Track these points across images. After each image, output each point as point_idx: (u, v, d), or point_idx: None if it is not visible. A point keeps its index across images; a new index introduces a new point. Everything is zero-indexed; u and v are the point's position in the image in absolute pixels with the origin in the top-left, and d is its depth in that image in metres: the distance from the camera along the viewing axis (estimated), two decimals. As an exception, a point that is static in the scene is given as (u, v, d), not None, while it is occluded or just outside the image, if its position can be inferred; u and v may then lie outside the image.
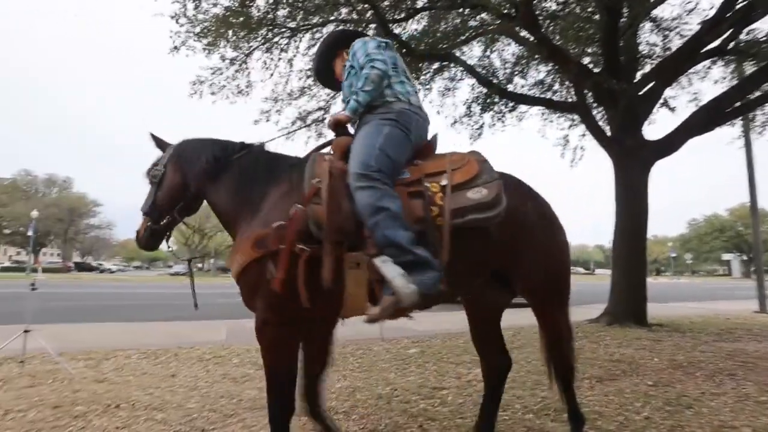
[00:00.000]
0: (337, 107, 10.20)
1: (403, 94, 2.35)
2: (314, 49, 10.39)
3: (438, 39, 9.60)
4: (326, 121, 2.84)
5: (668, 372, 4.72)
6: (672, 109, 10.43)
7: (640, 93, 8.80)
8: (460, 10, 9.60)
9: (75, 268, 53.91)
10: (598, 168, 15.29)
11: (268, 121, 10.86)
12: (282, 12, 9.56)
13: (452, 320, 9.65)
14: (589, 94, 9.59)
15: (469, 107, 11.30)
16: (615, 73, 8.20)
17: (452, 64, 10.65)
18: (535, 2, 8.48)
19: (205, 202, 2.56)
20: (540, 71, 11.26)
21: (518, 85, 11.40)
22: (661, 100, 9.78)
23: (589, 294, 19.42)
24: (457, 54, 10.35)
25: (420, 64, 10.13)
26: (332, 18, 9.84)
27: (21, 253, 59.71)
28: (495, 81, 10.68)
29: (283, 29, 9.91)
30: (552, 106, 10.97)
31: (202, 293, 18.71)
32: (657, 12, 9.79)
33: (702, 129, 8.37)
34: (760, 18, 7.81)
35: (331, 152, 2.28)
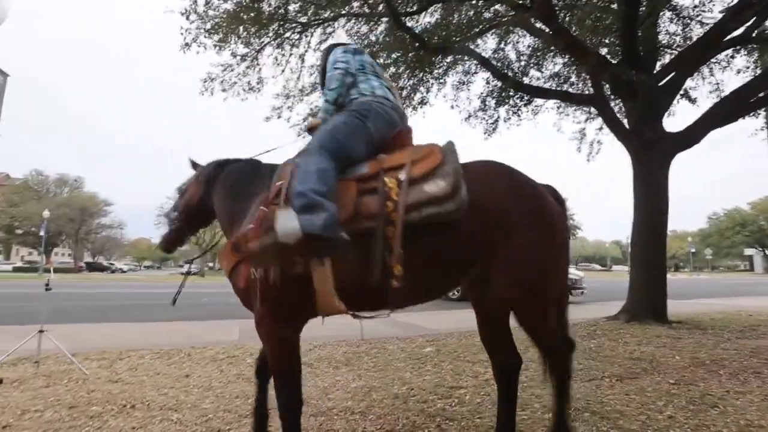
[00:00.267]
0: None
1: (368, 89, 2.50)
2: (326, 45, 10.45)
3: (451, 32, 9.56)
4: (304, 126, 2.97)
5: (690, 370, 4.67)
6: (693, 101, 10.28)
7: (660, 84, 8.68)
8: (474, 1, 9.56)
9: (86, 268, 54.66)
10: (615, 162, 15.17)
11: (279, 117, 10.91)
12: (293, 7, 9.60)
13: (467, 318, 9.65)
14: (607, 86, 9.50)
15: (483, 101, 11.26)
16: (634, 64, 8.09)
17: (466, 57, 10.61)
18: (550, -8, 8.41)
19: None
20: (556, 63, 11.18)
21: (533, 77, 11.36)
22: (682, 91, 9.65)
23: (606, 291, 19.34)
24: (471, 47, 10.32)
25: (433, 58, 10.11)
26: (344, 12, 9.87)
27: (33, 254, 60.60)
28: (510, 74, 10.62)
29: (294, 24, 9.96)
30: (568, 98, 10.88)
31: (214, 293, 18.98)
32: (677, 0, 9.67)
33: (724, 120, 8.24)
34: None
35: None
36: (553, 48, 9.92)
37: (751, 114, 9.14)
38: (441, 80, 11.15)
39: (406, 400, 3.64)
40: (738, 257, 75.29)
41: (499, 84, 10.63)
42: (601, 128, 11.81)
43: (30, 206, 51.20)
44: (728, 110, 8.22)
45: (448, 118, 13.87)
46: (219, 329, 7.78)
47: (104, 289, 21.74)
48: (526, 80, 10.98)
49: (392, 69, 10.40)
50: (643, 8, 8.27)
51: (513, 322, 2.47)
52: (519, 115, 11.31)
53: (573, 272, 15.59)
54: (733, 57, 9.94)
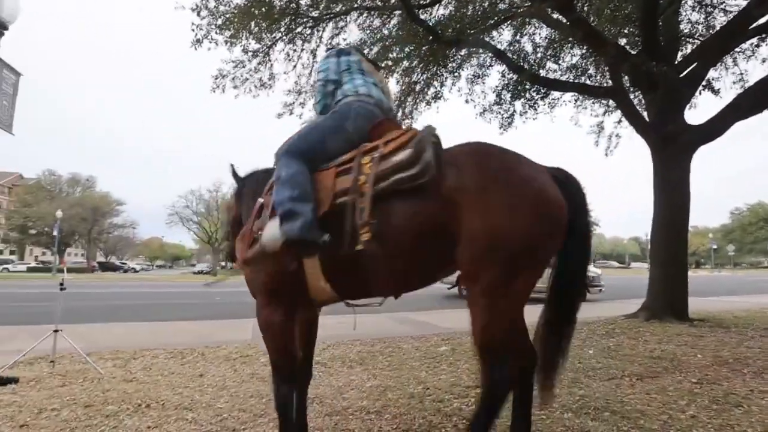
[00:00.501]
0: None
1: (351, 89, 2.61)
2: (337, 39, 10.46)
3: (466, 24, 9.52)
4: None
5: (713, 369, 4.63)
6: (716, 92, 10.12)
7: (681, 75, 8.55)
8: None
9: (99, 268, 55.40)
10: (634, 156, 15.01)
11: (291, 114, 10.96)
12: (304, 1, 9.65)
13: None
14: (626, 77, 9.39)
15: (499, 95, 11.20)
16: (654, 55, 7.98)
17: (481, 50, 10.55)
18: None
19: None
20: (573, 55, 11.04)
21: (550, 70, 11.25)
22: (704, 83, 9.50)
23: (625, 288, 19.17)
24: (486, 39, 10.25)
25: (447, 51, 10.07)
26: (356, 5, 9.88)
27: (46, 254, 61.53)
28: (526, 66, 10.54)
29: (306, 19, 9.98)
30: (586, 91, 10.77)
31: (226, 291, 19.13)
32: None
33: (749, 112, 8.09)
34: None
35: None
36: (570, 39, 9.81)
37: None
38: (455, 74, 11.10)
39: (422, 400, 3.65)
40: (762, 253, 74.11)
41: (515, 77, 10.56)
42: (619, 121, 11.67)
43: (43, 206, 52.02)
44: (753, 101, 8.06)
45: (463, 113, 13.82)
46: (232, 328, 7.87)
47: (117, 288, 22.08)
48: (542, 73, 10.89)
49: (405, 63, 10.39)
50: (664, -4, 8.16)
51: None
52: (535, 109, 11.23)
53: (590, 269, 15.42)
54: (758, 46, 9.72)
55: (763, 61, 9.99)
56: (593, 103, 11.87)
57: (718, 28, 9.08)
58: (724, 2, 9.54)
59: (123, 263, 67.25)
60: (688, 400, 3.57)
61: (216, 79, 10.37)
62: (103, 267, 57.60)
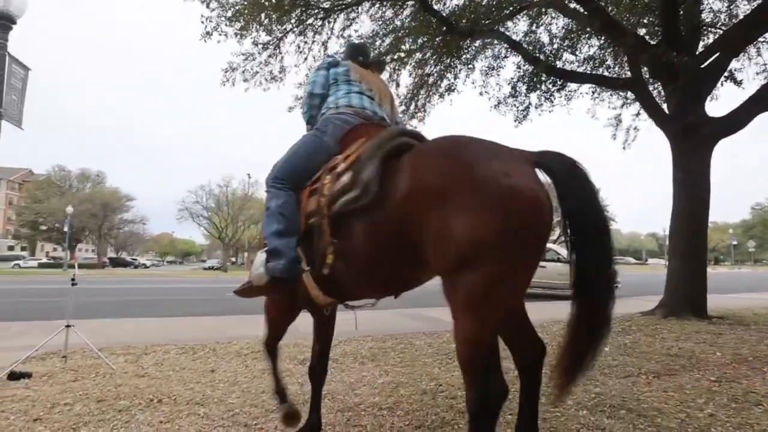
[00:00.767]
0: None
1: (332, 102, 2.71)
2: (349, 31, 10.46)
3: (480, 14, 9.44)
4: None
5: (732, 367, 4.60)
6: (738, 83, 9.97)
7: (703, 66, 8.44)
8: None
9: (110, 264, 56.00)
10: (652, 149, 14.86)
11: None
12: (315, -9, 9.62)
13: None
14: (645, 69, 9.28)
15: (514, 87, 11.13)
16: (675, 45, 7.89)
17: (496, 41, 10.48)
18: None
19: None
20: (591, 46, 10.93)
21: (567, 61, 11.13)
22: (726, 73, 9.35)
23: (641, 285, 19.02)
24: (501, 30, 10.18)
25: (461, 42, 10.02)
26: (367, -4, 9.84)
27: (57, 249, 62.26)
28: (542, 57, 10.43)
29: (317, 10, 9.98)
30: (604, 83, 10.67)
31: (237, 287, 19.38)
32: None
33: (772, 103, 8.00)
34: None
35: None
36: (588, 29, 9.70)
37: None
38: (469, 65, 11.06)
39: (435, 396, 3.67)
40: (784, 250, 73.20)
41: (531, 68, 10.48)
42: (638, 114, 11.56)
43: (53, 202, 52.65)
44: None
45: (477, 106, 13.77)
46: (243, 324, 7.93)
47: (128, 284, 22.34)
48: (559, 64, 10.79)
49: (418, 54, 10.36)
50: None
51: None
52: (551, 101, 11.14)
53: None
54: (783, 35, 9.60)
55: (789, 51, 9.85)
56: (611, 95, 11.76)
57: (741, 17, 8.94)
58: (747, -10, 9.39)
59: (133, 259, 67.91)
60: (706, 398, 3.55)
61: (226, 72, 10.42)
62: (114, 263, 58.20)
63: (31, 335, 6.39)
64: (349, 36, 10.42)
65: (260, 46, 10.21)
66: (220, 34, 9.53)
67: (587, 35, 10.50)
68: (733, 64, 9.55)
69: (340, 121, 2.58)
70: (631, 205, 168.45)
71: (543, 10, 10.21)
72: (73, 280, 5.24)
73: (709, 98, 8.82)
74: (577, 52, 11.02)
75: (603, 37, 9.99)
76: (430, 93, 11.25)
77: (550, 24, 10.93)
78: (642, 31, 9.84)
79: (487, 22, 9.44)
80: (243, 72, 10.46)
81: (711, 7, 9.97)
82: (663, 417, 3.14)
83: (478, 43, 10.59)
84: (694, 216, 8.33)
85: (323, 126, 2.60)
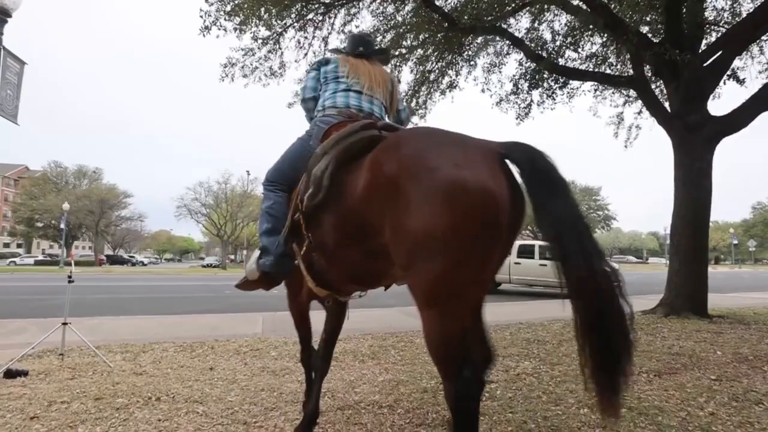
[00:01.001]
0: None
1: (320, 105, 2.79)
2: (350, 26, 10.43)
3: (482, 10, 9.41)
4: None
5: (733, 366, 4.64)
6: (741, 81, 9.98)
7: (706, 64, 8.46)
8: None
9: (107, 261, 55.88)
10: (654, 148, 14.88)
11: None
12: (316, -14, 9.58)
13: (495, 312, 9.67)
14: (648, 67, 9.29)
15: (516, 84, 11.13)
16: (678, 43, 7.90)
17: (498, 38, 10.47)
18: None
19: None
20: (594, 43, 10.90)
21: (569, 58, 11.11)
22: (729, 72, 9.36)
23: (642, 284, 19.06)
24: (504, 26, 10.17)
25: (463, 39, 10.01)
26: (368, -9, 9.81)
27: (54, 247, 62.04)
28: (544, 55, 10.44)
29: (317, 5, 9.94)
30: (607, 80, 10.67)
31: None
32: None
33: (775, 102, 8.01)
34: None
35: None
36: (591, 26, 9.70)
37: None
38: (471, 62, 11.05)
39: (435, 394, 3.68)
40: (785, 249, 73.33)
41: (533, 65, 10.48)
42: (640, 112, 11.59)
43: (50, 199, 52.23)
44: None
45: (479, 103, 13.77)
46: (242, 322, 7.97)
47: (125, 282, 22.34)
48: (561, 61, 10.76)
49: (420, 51, 10.34)
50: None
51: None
52: (554, 99, 11.14)
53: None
54: (786, 34, 9.61)
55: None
56: (613, 93, 11.79)
57: (744, 15, 8.93)
58: (751, -12, 9.39)
59: (131, 256, 67.77)
60: (707, 397, 3.58)
61: (225, 67, 10.36)
62: (111, 260, 58.10)
63: (28, 333, 6.39)
64: (350, 31, 10.38)
65: (260, 42, 10.14)
66: (219, 29, 9.46)
67: (590, 32, 10.48)
68: (736, 63, 9.58)
69: (323, 123, 2.63)
70: (632, 204, 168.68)
71: (545, 6, 10.19)
72: (70, 277, 5.23)
73: (711, 97, 8.82)
74: (579, 50, 11.00)
75: (606, 35, 9.98)
76: (432, 90, 11.24)
77: (553, 21, 10.92)
78: (645, 29, 9.83)
79: (489, 18, 9.42)
80: (242, 67, 10.39)
81: (714, 5, 9.97)
82: (664, 415, 3.16)
83: (480, 39, 10.59)
84: (696, 215, 8.36)
85: (310, 129, 2.70)
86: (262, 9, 9.38)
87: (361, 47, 2.99)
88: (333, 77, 2.81)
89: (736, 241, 65.54)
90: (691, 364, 4.69)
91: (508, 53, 11.06)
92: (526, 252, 15.24)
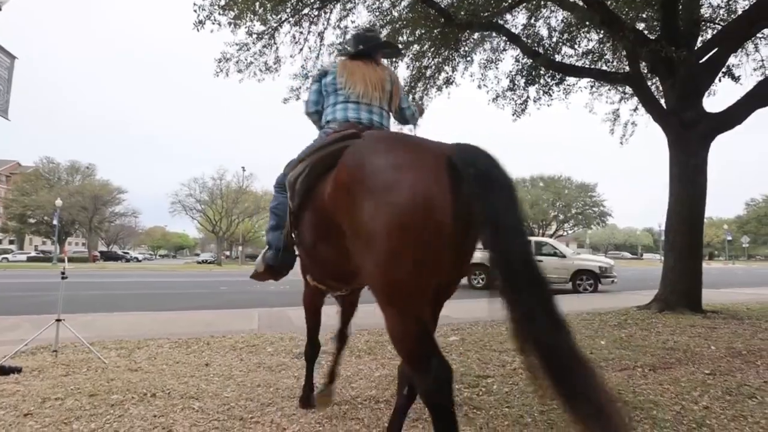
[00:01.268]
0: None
1: (324, 118, 2.90)
2: (345, 22, 10.40)
3: (479, 6, 9.40)
4: None
5: (726, 360, 4.68)
6: (736, 79, 10.03)
7: (701, 61, 8.50)
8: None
9: (101, 258, 55.58)
10: (649, 145, 14.94)
11: (298, 99, 10.90)
12: (311, -20, 9.54)
13: (492, 307, 9.69)
14: (644, 63, 9.32)
15: (512, 80, 11.13)
16: (673, 40, 7.93)
17: (494, 34, 10.47)
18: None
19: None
20: (590, 40, 10.93)
21: (566, 55, 11.12)
22: (724, 69, 9.41)
23: (637, 280, 19.17)
24: (500, 22, 10.16)
25: (460, 34, 9.99)
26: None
27: (46, 243, 61.58)
28: (541, 51, 10.44)
29: (313, 0, 9.89)
30: (603, 77, 10.68)
31: (232, 281, 19.19)
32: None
33: (768, 99, 8.06)
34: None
35: None
36: (588, 23, 9.71)
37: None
38: (467, 58, 11.05)
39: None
40: (777, 245, 73.83)
41: (530, 62, 10.48)
42: (636, 109, 11.63)
43: (42, 195, 51.59)
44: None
45: (475, 99, 13.78)
46: (238, 318, 7.95)
47: (120, 278, 22.27)
48: (557, 58, 10.78)
49: (416, 47, 10.32)
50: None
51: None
52: (550, 95, 11.15)
53: (603, 260, 15.51)
54: (781, 31, 9.67)
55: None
56: (609, 89, 11.82)
57: (740, 12, 8.97)
58: (747, -15, 9.43)
59: (125, 253, 67.41)
60: (701, 391, 3.62)
61: (219, 62, 10.28)
62: (105, 256, 57.78)
63: (21, 330, 6.36)
64: (346, 27, 10.37)
65: (254, 36, 10.07)
66: (213, 23, 9.36)
67: (586, 29, 10.51)
68: (731, 60, 9.63)
69: (325, 135, 2.72)
70: (628, 200, 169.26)
71: (542, 2, 10.22)
72: (63, 273, 5.20)
73: (706, 94, 8.85)
74: (575, 46, 11.02)
75: (602, 32, 10.00)
76: (428, 85, 11.23)
77: (549, 17, 10.92)
78: (641, 26, 9.88)
79: (485, 14, 9.41)
80: (237, 62, 10.32)
81: (710, 2, 10.01)
82: (659, 409, 3.19)
83: (476, 35, 10.58)
84: (690, 212, 8.41)
85: (312, 143, 2.80)
86: (257, 3, 9.32)
87: (361, 45, 2.97)
88: (332, 89, 2.85)
89: (730, 238, 65.88)
90: (685, 358, 4.74)
91: (504, 49, 11.07)
92: (521, 248, 15.28)
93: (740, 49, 9.83)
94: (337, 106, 2.80)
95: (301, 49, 10.58)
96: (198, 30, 9.36)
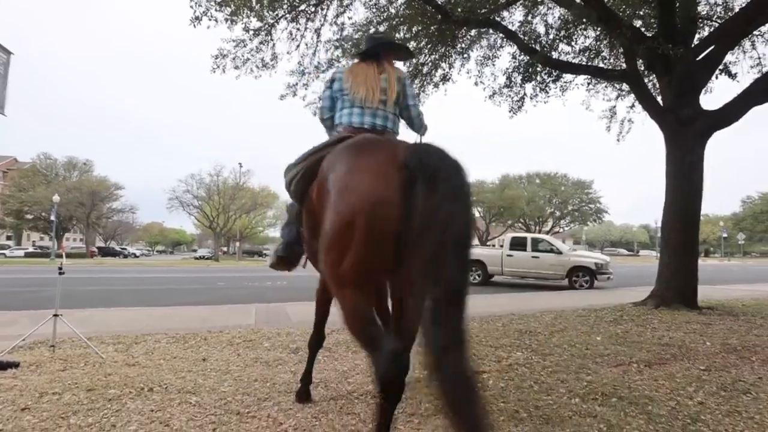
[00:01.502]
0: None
1: (335, 122, 2.99)
2: (342, 18, 10.38)
3: (476, 3, 9.37)
4: None
5: (721, 356, 4.70)
6: (733, 76, 10.04)
7: (698, 59, 8.50)
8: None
9: (99, 253, 55.48)
10: (646, 142, 14.96)
11: (294, 95, 10.88)
12: (308, -23, 9.50)
13: (488, 303, 9.72)
14: (641, 61, 9.31)
15: (509, 77, 11.13)
16: (671, 38, 7.93)
17: (491, 31, 10.45)
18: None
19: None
20: (587, 37, 10.93)
21: (563, 52, 11.12)
22: (721, 66, 9.41)
23: (633, 276, 19.23)
24: (497, 19, 10.14)
25: (457, 31, 9.97)
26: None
27: (44, 239, 61.34)
28: (538, 48, 10.43)
29: (310, -5, 9.84)
30: (600, 74, 10.69)
31: (230, 277, 19.19)
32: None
33: (765, 97, 8.05)
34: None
35: None
36: (584, 20, 9.69)
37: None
38: (464, 55, 11.02)
39: (428, 384, 3.68)
40: (772, 242, 74.14)
41: (527, 59, 10.47)
42: (632, 106, 11.63)
43: (39, 191, 51.39)
44: (770, 85, 8.03)
45: (472, 96, 13.77)
46: (235, 313, 7.94)
47: (117, 274, 22.20)
48: (554, 55, 10.78)
49: (413, 43, 10.28)
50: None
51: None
52: (547, 92, 11.16)
53: (599, 257, 15.55)
54: (778, 29, 9.67)
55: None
56: (606, 86, 11.82)
57: (737, 9, 8.97)
58: (743, -17, 9.43)
59: (123, 248, 67.29)
60: (696, 386, 3.63)
61: (216, 59, 10.22)
62: (103, 252, 57.69)
63: (19, 325, 6.33)
64: (343, 23, 10.34)
65: (251, 33, 10.03)
66: (210, 19, 9.28)
67: (583, 26, 10.49)
68: (728, 57, 9.63)
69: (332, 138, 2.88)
70: (624, 197, 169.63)
71: (539, -1, 10.20)
72: (60, 269, 5.17)
73: (703, 91, 8.87)
74: (572, 43, 11.02)
75: (599, 29, 9.99)
76: (425, 82, 11.21)
77: (546, 14, 10.92)
78: (638, 23, 9.87)
79: (482, 11, 9.39)
80: (234, 59, 10.27)
81: (707, 0, 10.01)
82: (654, 405, 3.20)
83: (473, 32, 10.56)
84: (686, 209, 8.42)
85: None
86: (254, 0, 9.29)
87: (370, 46, 3.03)
88: (340, 95, 2.94)
89: (725, 235, 66.08)
90: (680, 354, 4.75)
91: (501, 46, 11.05)
92: (518, 244, 15.40)
93: (737, 47, 9.83)
94: (344, 111, 2.90)
95: (298, 46, 10.55)
96: (195, 26, 9.30)
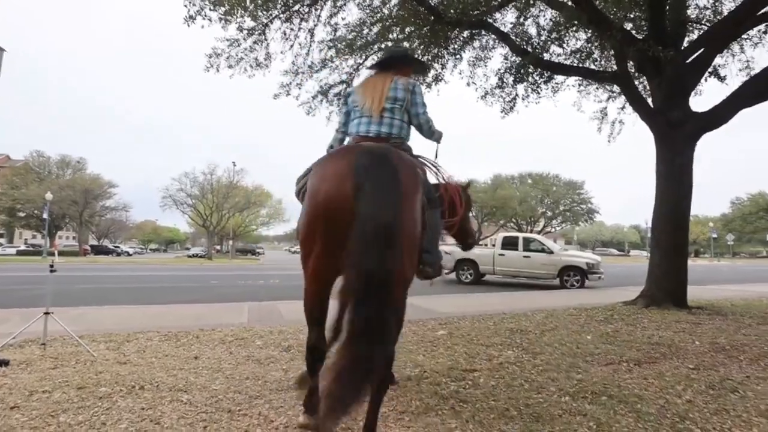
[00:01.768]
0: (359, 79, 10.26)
1: (348, 133, 3.10)
2: (336, 18, 10.36)
3: (469, 4, 9.37)
4: None
5: (710, 355, 4.73)
6: (722, 79, 10.11)
7: (688, 61, 8.55)
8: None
9: (92, 251, 55.06)
10: (636, 143, 15.04)
11: (288, 95, 10.86)
12: (302, -23, 9.47)
13: (479, 302, 9.73)
14: (631, 63, 9.36)
15: (501, 78, 11.11)
16: (661, 40, 7.97)
17: (484, 32, 10.46)
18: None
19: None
20: (578, 39, 10.94)
21: (554, 53, 11.12)
22: (710, 69, 9.48)
23: (624, 276, 19.32)
24: (490, 20, 10.15)
25: (449, 32, 9.98)
26: (355, -18, 9.72)
27: (36, 237, 60.81)
28: (530, 49, 10.43)
29: (304, -4, 9.82)
30: (591, 75, 10.72)
31: (223, 275, 19.12)
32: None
33: (754, 99, 8.11)
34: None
35: None
36: (575, 22, 9.71)
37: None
38: (457, 56, 10.99)
39: (419, 382, 3.71)
40: (761, 243, 74.59)
41: (519, 60, 10.48)
42: (623, 107, 11.68)
43: (32, 188, 50.88)
44: (759, 89, 8.08)
45: (464, 97, 13.77)
46: (227, 312, 7.91)
47: (110, 272, 22.04)
48: (546, 56, 10.77)
49: (406, 44, 10.28)
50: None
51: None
52: (538, 93, 11.16)
53: (590, 256, 15.61)
54: (765, 33, 9.72)
55: (770, 48, 9.99)
56: (597, 88, 11.86)
57: (726, 13, 9.03)
58: (733, -13, 9.49)
59: (116, 246, 66.86)
60: (685, 385, 3.65)
61: (210, 58, 10.16)
62: (96, 250, 57.27)
63: (10, 323, 6.24)
64: (336, 24, 10.32)
65: (245, 32, 9.98)
66: (203, 19, 9.24)
67: (574, 28, 10.52)
68: (717, 60, 9.71)
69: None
70: (615, 198, 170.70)
71: (531, 1, 10.19)
72: (51, 266, 5.12)
73: (693, 93, 8.92)
74: (564, 45, 11.01)
75: (590, 31, 10.02)
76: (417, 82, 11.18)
77: (538, 16, 10.91)
78: (629, 26, 9.91)
79: (475, 12, 9.38)
80: (227, 58, 10.22)
81: (697, 3, 10.09)
82: (643, 403, 3.21)
83: (466, 33, 10.55)
84: (676, 209, 8.48)
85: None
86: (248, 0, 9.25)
87: (384, 58, 3.26)
88: (353, 107, 3.07)
89: (715, 235, 66.53)
90: (670, 353, 4.78)
91: (493, 47, 11.04)
92: (510, 244, 15.43)
93: (726, 50, 9.89)
94: (353, 121, 3.03)
95: (292, 46, 10.51)
96: (188, 25, 9.23)
